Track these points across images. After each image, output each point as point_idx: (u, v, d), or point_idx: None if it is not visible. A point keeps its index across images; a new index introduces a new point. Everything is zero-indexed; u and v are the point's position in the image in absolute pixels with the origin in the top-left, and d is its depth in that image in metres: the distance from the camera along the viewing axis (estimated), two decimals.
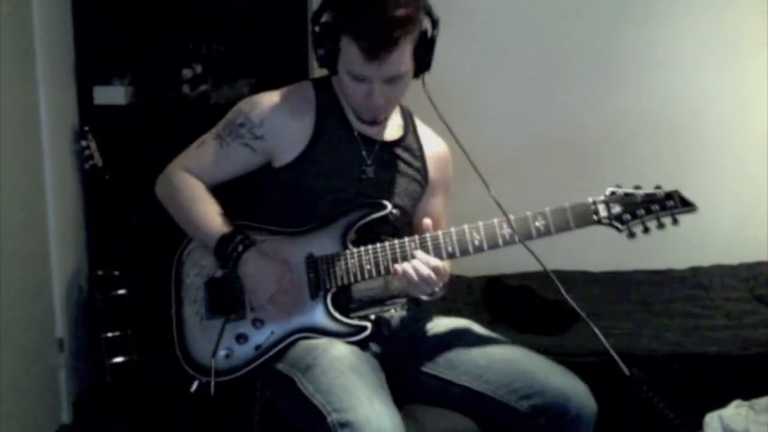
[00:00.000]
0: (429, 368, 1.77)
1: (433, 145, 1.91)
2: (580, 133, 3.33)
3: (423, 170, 1.88)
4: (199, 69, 3.05)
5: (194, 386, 1.76)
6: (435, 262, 1.67)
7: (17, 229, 2.48)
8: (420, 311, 1.89)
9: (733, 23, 3.28)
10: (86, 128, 2.85)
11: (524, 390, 1.67)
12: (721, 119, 3.34)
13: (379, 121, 1.77)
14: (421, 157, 1.88)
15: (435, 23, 1.69)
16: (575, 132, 3.33)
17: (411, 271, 1.66)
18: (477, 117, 3.11)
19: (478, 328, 1.85)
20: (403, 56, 1.65)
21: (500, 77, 3.27)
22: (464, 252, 1.70)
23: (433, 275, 1.66)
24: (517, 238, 1.68)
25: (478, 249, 1.69)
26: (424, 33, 1.68)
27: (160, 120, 2.99)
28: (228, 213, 1.79)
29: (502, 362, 1.72)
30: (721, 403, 2.40)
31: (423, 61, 1.71)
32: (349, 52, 1.64)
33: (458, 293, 3.06)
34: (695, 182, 3.00)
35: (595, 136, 3.32)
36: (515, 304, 2.86)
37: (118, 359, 2.79)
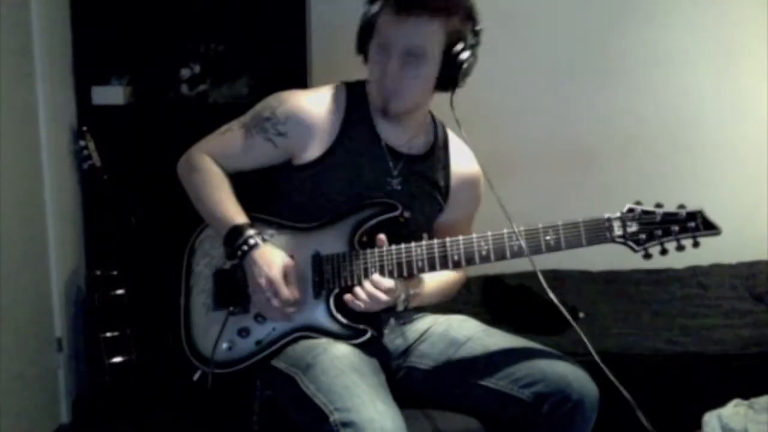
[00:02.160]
0: (429, 366, 1.77)
1: (463, 163, 1.88)
2: (580, 134, 3.33)
3: (445, 188, 1.85)
4: (197, 69, 3.05)
5: (197, 375, 1.77)
6: (388, 284, 1.66)
7: (16, 229, 2.47)
8: (419, 310, 1.89)
9: (732, 24, 3.28)
10: (84, 128, 2.84)
11: (526, 379, 1.67)
12: (721, 119, 3.34)
13: (390, 111, 1.73)
14: (446, 175, 1.85)
15: (476, 32, 1.70)
16: (575, 133, 3.33)
17: (363, 296, 1.66)
18: (478, 120, 3.11)
19: (475, 323, 1.85)
20: (430, 35, 1.64)
21: (501, 81, 3.27)
22: (470, 261, 1.67)
23: (383, 297, 1.66)
24: (526, 252, 1.64)
25: (485, 259, 1.67)
26: (462, 37, 1.68)
27: (158, 120, 2.98)
28: (243, 203, 1.78)
29: (502, 354, 1.72)
30: (720, 402, 2.40)
31: (450, 68, 1.69)
32: (382, 17, 1.66)
33: (458, 293, 3.06)
34: (695, 181, 3.02)
35: (596, 137, 3.32)
36: (515, 303, 2.85)
37: (117, 359, 2.79)
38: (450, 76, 1.70)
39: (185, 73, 3.05)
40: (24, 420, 2.54)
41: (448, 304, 2.82)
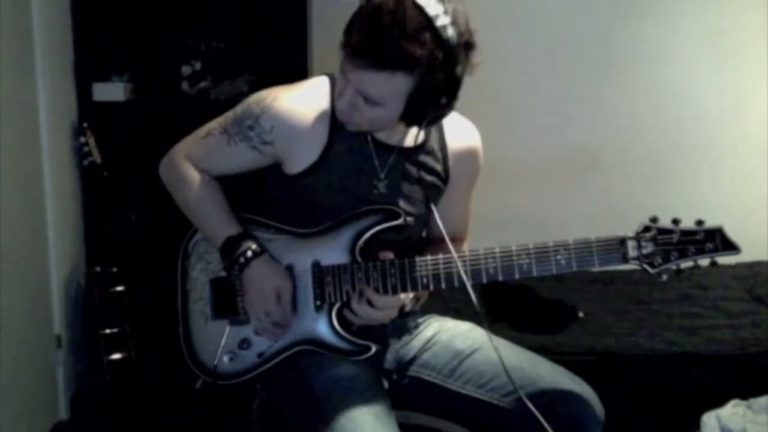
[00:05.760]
0: (432, 378, 1.74)
1: (460, 137, 1.78)
2: (581, 136, 3.33)
3: (444, 171, 1.77)
4: (198, 66, 3.05)
5: (199, 383, 1.74)
6: (389, 303, 1.63)
7: (16, 225, 2.47)
8: (422, 313, 1.86)
9: (732, 25, 3.28)
10: (85, 125, 2.84)
11: (532, 397, 1.61)
12: (721, 120, 3.34)
13: (348, 129, 1.64)
14: (444, 158, 1.77)
15: (452, 83, 1.51)
16: (576, 135, 3.33)
17: (363, 316, 1.63)
18: (479, 124, 3.10)
19: (481, 333, 1.78)
20: (389, 86, 1.50)
21: (502, 84, 3.26)
22: (476, 279, 1.61)
23: (379, 315, 1.63)
24: (534, 271, 1.59)
25: (492, 278, 1.61)
26: (433, 86, 1.51)
27: (159, 117, 2.98)
28: (235, 204, 1.75)
29: (508, 369, 1.66)
30: (719, 402, 2.40)
31: (414, 112, 1.55)
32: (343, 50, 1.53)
33: (457, 293, 3.05)
34: (695, 182, 3.01)
35: (597, 139, 3.33)
36: (514, 303, 2.86)
37: (116, 356, 2.79)
38: (414, 119, 1.59)
39: (186, 70, 3.05)
40: (22, 416, 2.54)
41: (448, 304, 2.83)
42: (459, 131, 1.79)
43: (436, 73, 1.49)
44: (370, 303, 1.62)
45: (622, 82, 3.31)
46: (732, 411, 2.36)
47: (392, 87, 1.51)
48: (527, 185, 3.28)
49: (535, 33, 3.27)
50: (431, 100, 1.54)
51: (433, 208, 1.73)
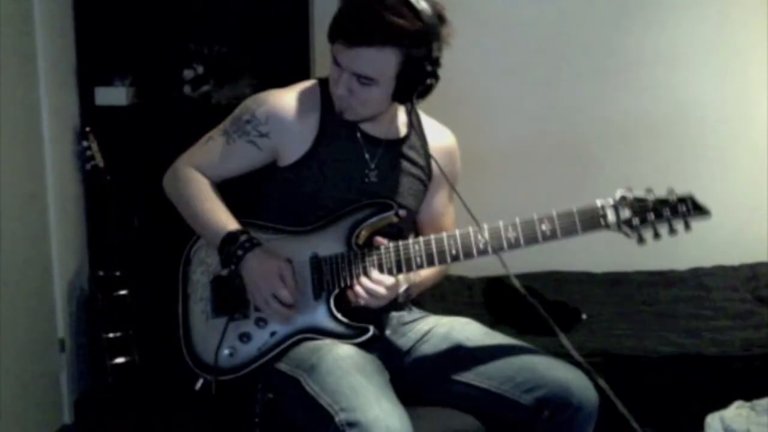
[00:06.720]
0: (430, 367, 1.78)
1: (438, 137, 1.90)
2: (581, 132, 3.33)
3: (427, 167, 1.87)
4: (200, 70, 3.05)
5: (199, 384, 1.76)
6: (389, 281, 1.69)
7: (19, 229, 2.48)
8: (420, 310, 1.90)
9: (733, 24, 3.28)
10: (87, 129, 2.84)
11: (527, 383, 1.68)
12: (722, 119, 3.34)
13: (346, 117, 1.75)
14: (425, 154, 1.86)
15: (434, 58, 1.65)
16: (576, 131, 3.33)
17: (363, 294, 1.68)
18: (480, 116, 3.11)
19: (477, 326, 1.85)
20: (380, 62, 1.64)
21: (502, 78, 3.27)
22: (468, 255, 1.69)
23: (382, 291, 1.69)
24: (522, 242, 1.67)
25: (482, 252, 1.69)
26: (418, 61, 1.65)
27: (161, 121, 2.98)
28: (233, 210, 1.79)
29: (504, 357, 1.73)
30: (723, 403, 2.40)
31: (404, 88, 1.68)
32: (335, 40, 1.68)
33: (459, 294, 3.06)
34: (696, 182, 2.98)
35: (596, 135, 3.32)
36: (516, 304, 2.85)
37: (120, 360, 2.79)
38: (405, 94, 1.70)
39: (188, 74, 3.06)
40: (26, 420, 2.54)
41: (450, 305, 2.84)
42: (437, 132, 1.91)
43: (419, 44, 1.63)
44: (369, 277, 1.69)
45: (624, 82, 3.31)
46: (735, 412, 2.36)
47: (382, 61, 1.64)
48: (525, 184, 3.28)
49: (540, 34, 3.27)
50: (418, 72, 1.66)
51: (448, 181, 1.83)
